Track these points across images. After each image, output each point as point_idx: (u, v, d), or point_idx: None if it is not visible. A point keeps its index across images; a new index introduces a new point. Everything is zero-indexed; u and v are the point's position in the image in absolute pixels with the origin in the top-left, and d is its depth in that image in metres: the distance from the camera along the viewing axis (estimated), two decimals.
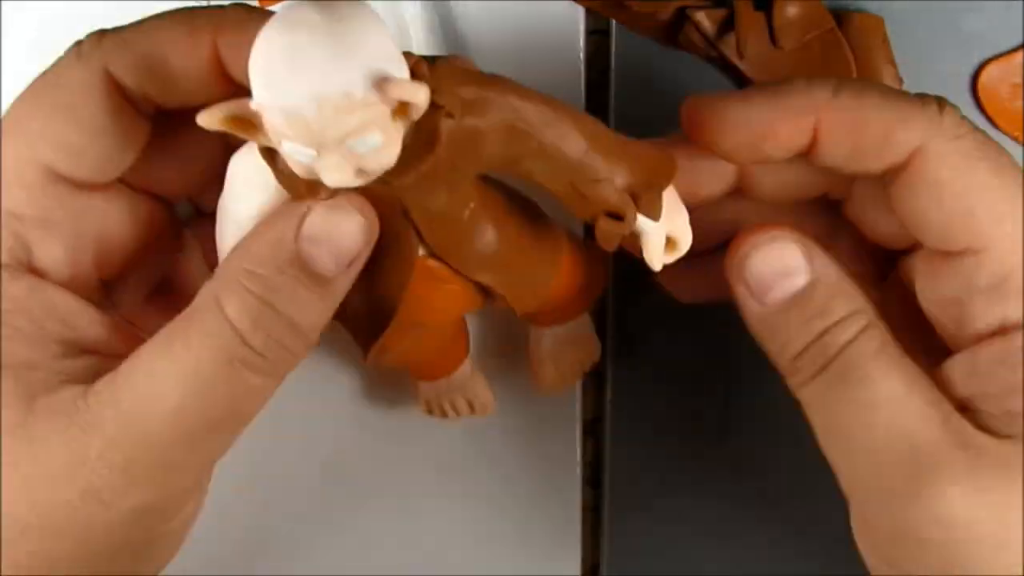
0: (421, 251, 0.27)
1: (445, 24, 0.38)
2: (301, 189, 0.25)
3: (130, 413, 0.24)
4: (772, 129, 0.26)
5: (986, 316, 0.26)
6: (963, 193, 0.26)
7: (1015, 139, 0.36)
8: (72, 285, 0.27)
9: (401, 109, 0.23)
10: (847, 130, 0.26)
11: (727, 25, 0.36)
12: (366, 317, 0.28)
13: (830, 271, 0.27)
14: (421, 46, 0.37)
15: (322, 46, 0.22)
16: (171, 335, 0.25)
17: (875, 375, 0.26)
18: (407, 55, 0.24)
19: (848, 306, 0.26)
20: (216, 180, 0.27)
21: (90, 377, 0.25)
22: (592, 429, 0.40)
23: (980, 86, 0.36)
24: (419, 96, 0.22)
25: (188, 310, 0.25)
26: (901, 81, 0.36)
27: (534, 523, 0.40)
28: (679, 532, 0.40)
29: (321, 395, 0.38)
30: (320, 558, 0.40)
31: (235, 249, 0.25)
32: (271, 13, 0.25)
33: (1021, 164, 0.36)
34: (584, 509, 0.40)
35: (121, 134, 0.26)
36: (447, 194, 0.26)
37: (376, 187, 0.25)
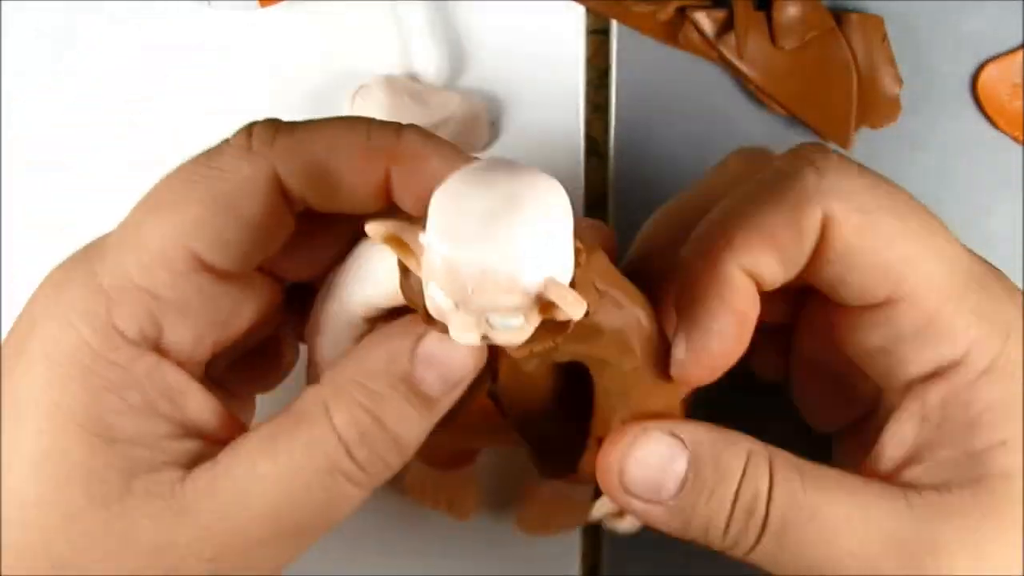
0: (489, 387, 0.27)
1: (446, 24, 0.38)
2: (419, 308, 0.25)
3: (225, 508, 0.24)
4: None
5: (918, 362, 0.26)
6: (872, 250, 0.25)
7: (1015, 139, 0.36)
8: (188, 363, 0.26)
9: (548, 308, 0.23)
10: (775, 261, 0.26)
11: (727, 25, 0.36)
12: None
13: (701, 435, 0.26)
14: (422, 46, 0.37)
15: (514, 225, 0.22)
16: (275, 434, 0.25)
17: (818, 515, 0.25)
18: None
19: (740, 456, 0.26)
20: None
21: (191, 461, 0.25)
22: None
23: (980, 86, 0.36)
24: (576, 314, 0.22)
25: (294, 410, 0.25)
26: (901, 82, 0.36)
27: None
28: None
29: None
30: (318, 555, 0.39)
31: (349, 359, 0.26)
32: (447, 146, 0.26)
33: (1022, 164, 0.37)
34: None
35: (272, 230, 0.26)
36: (538, 362, 0.26)
37: None
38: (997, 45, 0.36)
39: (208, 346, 0.27)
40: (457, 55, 0.38)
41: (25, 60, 0.38)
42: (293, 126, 0.26)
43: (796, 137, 0.37)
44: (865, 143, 0.37)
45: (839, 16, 0.36)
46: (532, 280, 0.22)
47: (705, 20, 0.36)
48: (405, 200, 0.26)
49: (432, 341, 0.25)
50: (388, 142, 0.26)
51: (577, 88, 0.38)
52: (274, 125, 0.26)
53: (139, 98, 0.38)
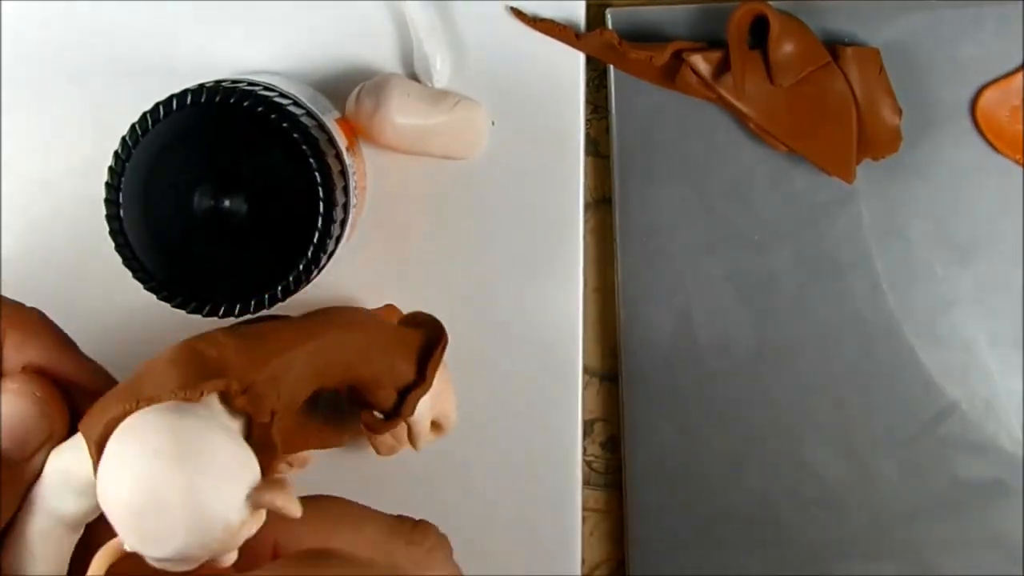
0: None
1: (446, 25, 0.38)
2: None
3: None
4: None
5: None
6: None
7: (1016, 161, 0.37)
8: None
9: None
10: None
11: (723, 66, 0.36)
12: None
13: None
14: (422, 46, 0.37)
15: (180, 514, 0.23)
16: None
17: None
18: (215, 381, 0.25)
19: None
20: None
21: None
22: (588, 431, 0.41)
23: (979, 110, 0.37)
24: (294, 513, 0.24)
25: None
26: (900, 111, 0.36)
27: (534, 523, 0.40)
28: (702, 533, 0.40)
29: None
30: None
31: None
32: None
33: (1022, 186, 0.37)
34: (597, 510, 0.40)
35: None
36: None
37: None
38: (994, 69, 0.36)
39: None
40: (458, 55, 0.38)
41: (25, 60, 0.39)
42: None
43: (799, 173, 0.38)
44: (868, 175, 0.37)
45: (835, 50, 0.36)
46: (228, 534, 0.23)
47: (701, 63, 0.36)
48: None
49: None
50: None
51: (577, 88, 0.38)
52: None
53: (131, 94, 0.36)
